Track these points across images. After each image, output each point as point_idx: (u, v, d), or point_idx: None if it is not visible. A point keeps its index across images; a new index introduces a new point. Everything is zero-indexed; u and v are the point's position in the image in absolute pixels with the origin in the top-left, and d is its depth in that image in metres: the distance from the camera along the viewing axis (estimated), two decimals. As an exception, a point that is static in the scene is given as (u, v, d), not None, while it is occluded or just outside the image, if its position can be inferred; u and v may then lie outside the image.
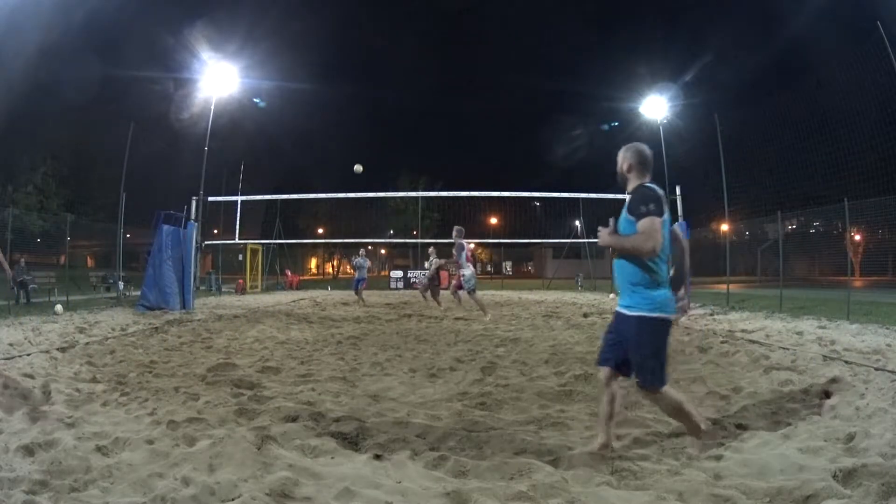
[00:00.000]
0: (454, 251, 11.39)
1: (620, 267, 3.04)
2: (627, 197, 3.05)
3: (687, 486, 2.56)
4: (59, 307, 11.45)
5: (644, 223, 2.85)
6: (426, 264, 15.74)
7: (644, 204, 2.88)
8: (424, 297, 14.65)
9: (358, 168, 14.45)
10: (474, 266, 11.88)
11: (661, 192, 2.98)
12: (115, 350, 6.64)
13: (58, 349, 6.39)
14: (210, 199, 16.82)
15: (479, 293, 11.73)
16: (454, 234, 11.47)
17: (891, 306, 11.00)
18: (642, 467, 2.84)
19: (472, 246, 11.74)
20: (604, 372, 3.13)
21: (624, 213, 3.02)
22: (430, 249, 15.25)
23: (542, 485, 2.61)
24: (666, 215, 2.92)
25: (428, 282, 14.45)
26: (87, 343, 7.04)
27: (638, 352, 2.94)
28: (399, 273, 29.54)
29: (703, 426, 3.05)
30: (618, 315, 3.10)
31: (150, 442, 3.14)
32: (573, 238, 28.49)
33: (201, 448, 3.03)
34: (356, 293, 15.66)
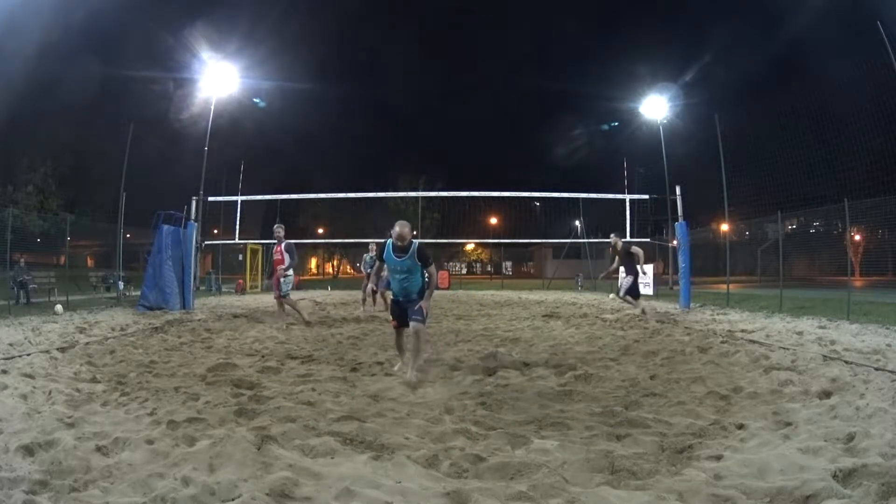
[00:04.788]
0: (284, 251, 10.09)
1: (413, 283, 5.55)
2: (414, 251, 5.40)
3: (687, 486, 2.56)
4: (59, 307, 11.46)
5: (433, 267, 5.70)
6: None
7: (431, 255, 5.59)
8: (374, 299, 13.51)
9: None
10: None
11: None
12: (115, 350, 6.64)
13: (58, 349, 6.39)
14: (210, 198, 16.87)
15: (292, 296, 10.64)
16: (276, 230, 10.17)
17: (891, 306, 11.00)
18: (642, 467, 2.84)
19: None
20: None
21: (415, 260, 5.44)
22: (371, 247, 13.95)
23: (542, 485, 2.61)
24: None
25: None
26: (87, 343, 7.03)
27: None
28: (399, 273, 29.51)
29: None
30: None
31: (150, 442, 3.14)
32: (573, 238, 28.51)
33: (201, 448, 3.03)
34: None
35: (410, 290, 5.52)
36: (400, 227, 5.34)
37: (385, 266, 5.71)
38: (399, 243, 5.35)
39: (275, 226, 10.23)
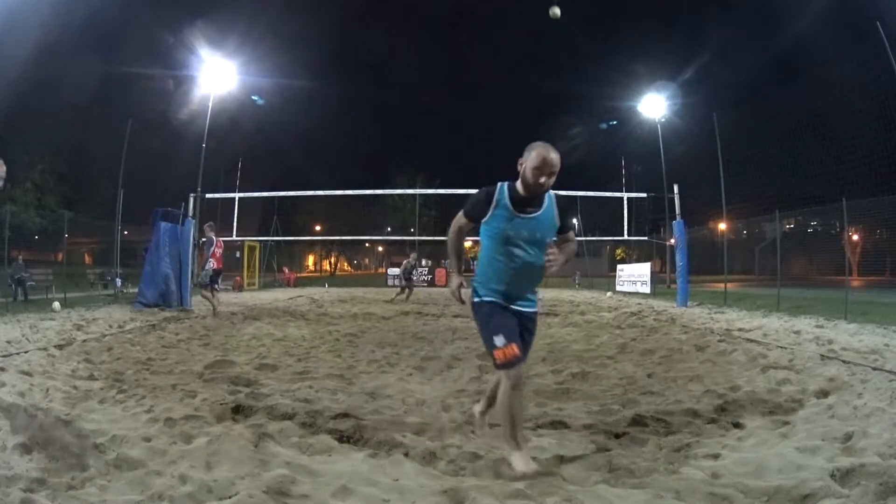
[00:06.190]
0: (204, 247, 10.91)
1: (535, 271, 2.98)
2: (552, 201, 3.05)
3: (684, 485, 2.56)
4: (56, 304, 11.44)
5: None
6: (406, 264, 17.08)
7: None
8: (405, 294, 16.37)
9: (555, 11, 12.22)
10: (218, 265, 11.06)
11: None
12: (113, 347, 6.62)
13: (55, 346, 6.36)
14: (208, 195, 16.82)
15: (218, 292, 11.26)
16: (205, 229, 11.00)
17: (888, 306, 11.02)
18: (640, 466, 2.84)
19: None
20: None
21: (555, 217, 3.04)
22: (413, 254, 17.26)
23: (539, 483, 2.61)
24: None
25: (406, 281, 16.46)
26: (85, 340, 7.02)
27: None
28: (396, 270, 29.55)
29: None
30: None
31: (148, 439, 3.13)
32: (571, 236, 28.47)
33: (198, 445, 3.02)
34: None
35: (535, 279, 3.06)
36: (544, 150, 2.86)
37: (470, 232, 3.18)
38: (540, 181, 2.86)
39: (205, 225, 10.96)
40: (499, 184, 3.00)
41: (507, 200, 2.93)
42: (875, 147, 16.42)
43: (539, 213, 2.96)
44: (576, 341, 7.54)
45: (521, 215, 2.92)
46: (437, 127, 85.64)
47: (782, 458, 2.82)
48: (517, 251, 2.91)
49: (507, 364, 2.77)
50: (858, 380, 4.63)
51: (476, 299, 3.05)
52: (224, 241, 11.83)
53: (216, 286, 10.87)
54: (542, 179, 2.85)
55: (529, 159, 2.87)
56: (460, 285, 3.13)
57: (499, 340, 2.81)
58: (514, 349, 2.77)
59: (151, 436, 3.20)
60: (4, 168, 3.81)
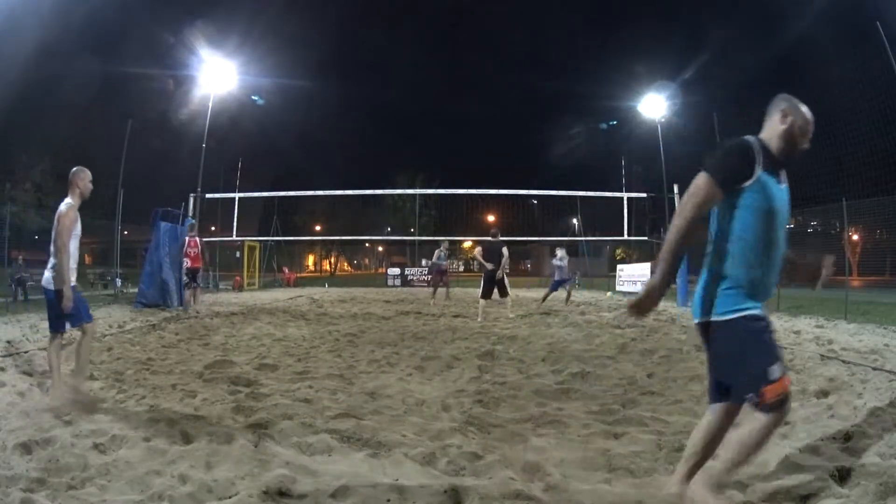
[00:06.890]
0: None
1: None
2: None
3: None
4: (56, 304, 11.41)
5: None
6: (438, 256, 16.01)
7: None
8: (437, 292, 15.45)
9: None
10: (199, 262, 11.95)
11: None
12: (113, 347, 6.62)
13: (55, 346, 6.36)
14: (208, 195, 16.84)
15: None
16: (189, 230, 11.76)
17: (888, 306, 11.03)
18: (639, 465, 2.85)
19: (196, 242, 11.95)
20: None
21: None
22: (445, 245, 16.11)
23: (539, 482, 2.61)
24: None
25: (437, 276, 15.64)
26: (85, 340, 7.01)
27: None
28: (396, 270, 29.52)
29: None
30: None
31: (148, 439, 3.13)
32: (571, 236, 28.54)
33: (198, 445, 3.03)
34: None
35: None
36: (809, 112, 2.27)
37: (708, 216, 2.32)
38: (804, 147, 2.29)
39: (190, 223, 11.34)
40: (750, 141, 2.18)
41: (769, 162, 2.17)
42: (875, 147, 16.42)
43: (784, 179, 2.26)
44: (576, 341, 7.53)
45: (778, 181, 2.20)
46: (437, 127, 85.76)
47: (782, 458, 2.82)
48: (780, 233, 2.20)
49: (785, 400, 2.12)
50: (858, 380, 4.64)
51: (740, 313, 2.20)
52: (221, 242, 12.09)
53: (194, 285, 11.12)
54: (806, 145, 2.27)
55: (800, 117, 2.21)
56: (662, 285, 2.24)
57: (777, 370, 2.11)
58: (789, 379, 2.18)
59: (151, 436, 3.20)
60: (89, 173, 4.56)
